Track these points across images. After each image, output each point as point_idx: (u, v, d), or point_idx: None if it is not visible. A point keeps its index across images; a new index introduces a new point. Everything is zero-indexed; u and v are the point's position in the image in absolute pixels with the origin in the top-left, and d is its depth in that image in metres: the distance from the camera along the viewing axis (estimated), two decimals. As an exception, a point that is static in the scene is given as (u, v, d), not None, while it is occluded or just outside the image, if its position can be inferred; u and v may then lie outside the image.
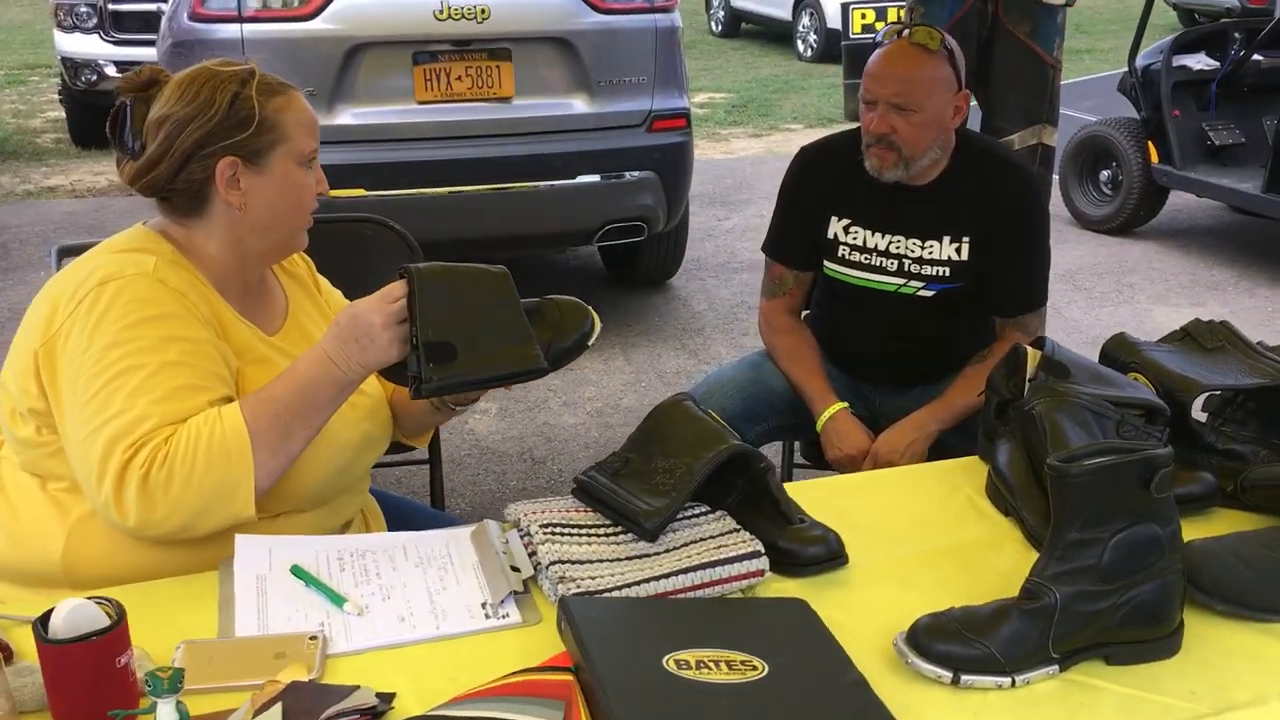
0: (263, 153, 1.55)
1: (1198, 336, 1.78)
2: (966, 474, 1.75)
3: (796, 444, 2.83)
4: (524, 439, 3.78)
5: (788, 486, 1.62)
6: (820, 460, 2.56)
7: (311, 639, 1.30)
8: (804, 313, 2.65)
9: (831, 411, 2.42)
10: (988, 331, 2.52)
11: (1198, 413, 1.74)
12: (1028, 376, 1.68)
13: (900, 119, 2.27)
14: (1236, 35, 5.92)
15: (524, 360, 1.49)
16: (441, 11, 4.01)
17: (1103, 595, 1.28)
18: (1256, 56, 5.83)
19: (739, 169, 7.82)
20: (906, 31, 2.32)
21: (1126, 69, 6.05)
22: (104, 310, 1.45)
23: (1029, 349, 1.72)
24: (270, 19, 3.96)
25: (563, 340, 1.55)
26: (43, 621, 1.16)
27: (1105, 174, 6.21)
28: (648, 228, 4.47)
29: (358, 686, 1.22)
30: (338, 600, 1.38)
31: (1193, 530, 1.46)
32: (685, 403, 1.63)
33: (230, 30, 3.94)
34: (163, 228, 1.60)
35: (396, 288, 1.48)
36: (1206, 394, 1.70)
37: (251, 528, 1.49)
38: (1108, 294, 5.31)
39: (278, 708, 1.17)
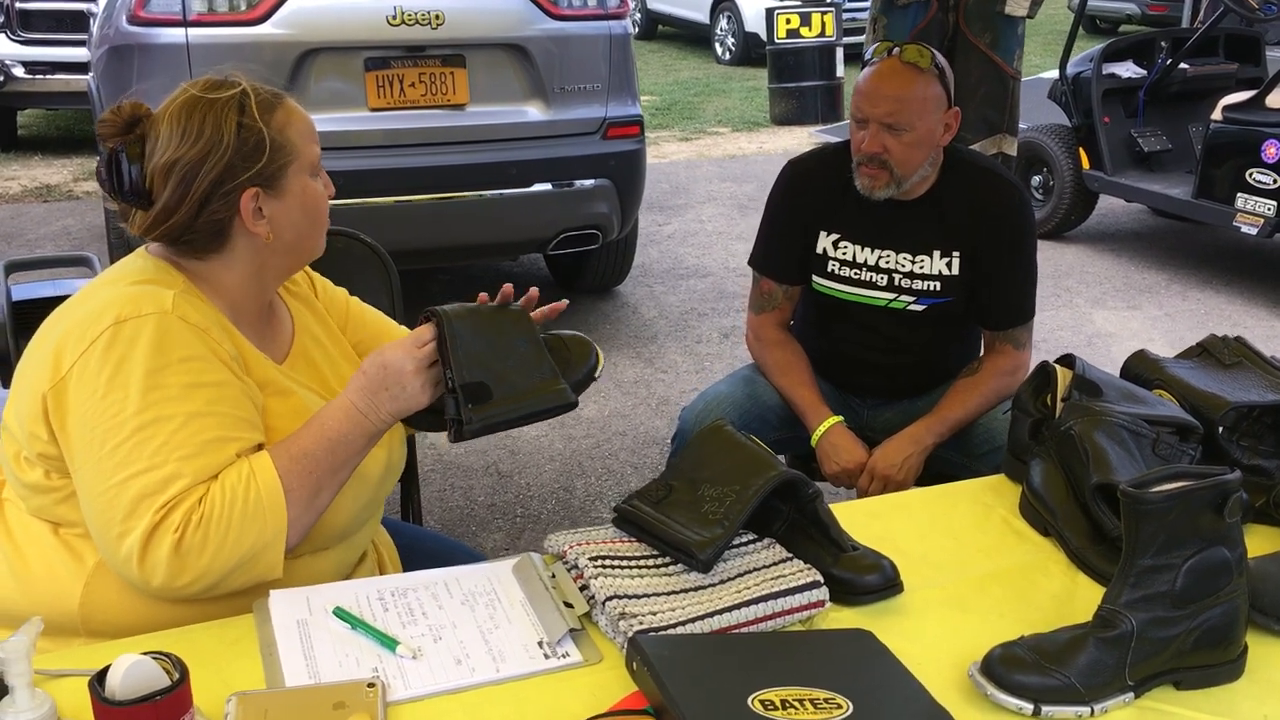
0: (279, 176, 1.47)
1: (1215, 352, 1.80)
2: (997, 494, 1.74)
3: (781, 458, 2.83)
4: (488, 453, 3.71)
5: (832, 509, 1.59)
6: (807, 474, 2.55)
7: (370, 686, 1.23)
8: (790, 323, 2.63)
9: (827, 425, 2.41)
10: (975, 343, 2.53)
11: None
12: (1060, 395, 1.68)
13: (892, 138, 2.26)
14: (1163, 44, 6.08)
15: (554, 396, 1.47)
16: (395, 17, 3.92)
17: (1176, 621, 1.28)
18: (1182, 65, 6.00)
19: (673, 173, 7.82)
20: (897, 50, 2.31)
21: (1057, 76, 6.18)
22: (122, 354, 1.36)
23: (1058, 367, 1.72)
24: (217, 23, 3.83)
25: (572, 374, 1.54)
26: (98, 679, 1.09)
27: (1037, 179, 6.33)
28: (602, 235, 4.43)
29: (426, 736, 1.17)
30: (389, 643, 1.32)
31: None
32: (726, 428, 1.59)
33: (174, 35, 3.81)
34: (170, 257, 1.51)
35: (424, 332, 1.45)
36: (1230, 410, 1.71)
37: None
38: (1047, 298, 5.39)
39: (348, 764, 1.11)
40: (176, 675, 1.10)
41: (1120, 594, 1.28)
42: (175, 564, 1.32)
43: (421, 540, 1.96)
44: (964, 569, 1.54)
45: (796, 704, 1.19)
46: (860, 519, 1.65)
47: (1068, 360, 1.73)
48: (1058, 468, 1.63)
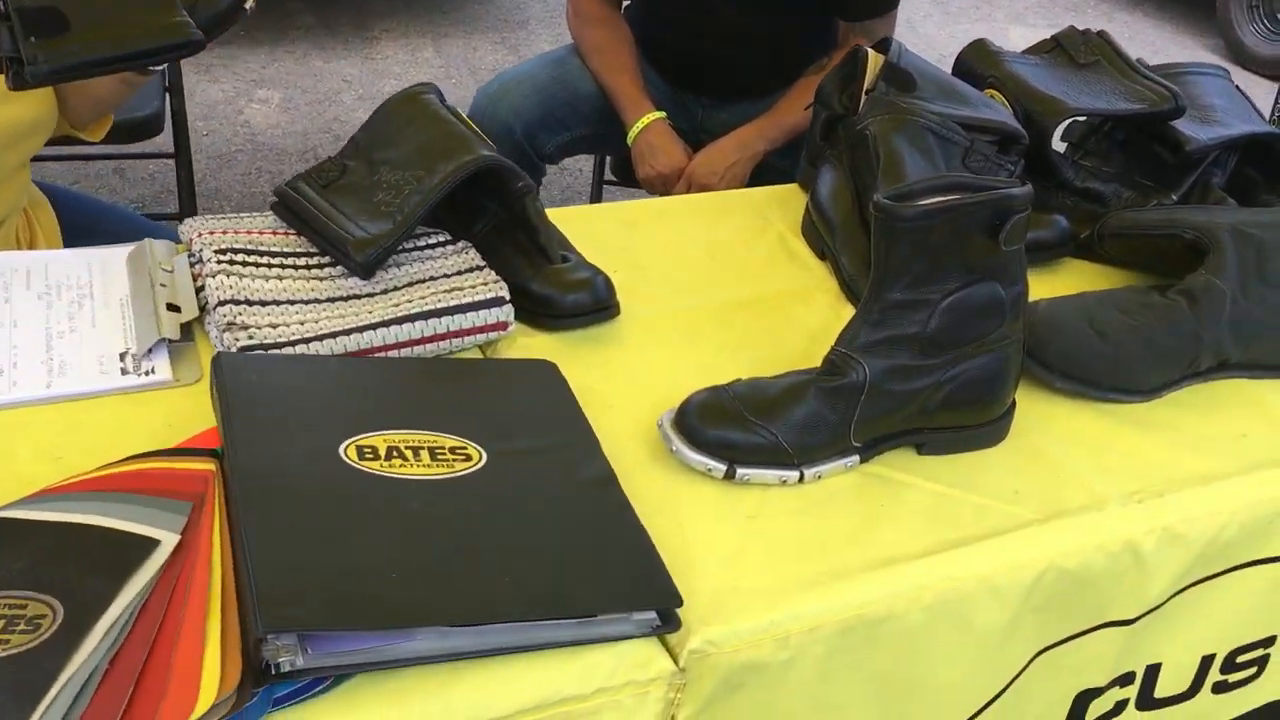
0: None
1: (1070, 48, 1.47)
2: (783, 206, 1.43)
3: (609, 160, 2.50)
4: (309, 135, 3.31)
5: (580, 211, 1.28)
6: (633, 178, 2.23)
7: None
8: (624, 5, 2.23)
9: (645, 122, 2.06)
10: (829, 38, 2.16)
11: (1056, 142, 1.44)
12: (865, 87, 1.35)
13: None
14: None
15: (167, 31, 1.07)
16: None
17: (924, 371, 1.00)
18: None
19: None
20: None
21: None
22: None
23: (871, 52, 1.38)
24: None
25: (214, 4, 1.14)
26: None
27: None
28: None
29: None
30: (-88, 345, 1.01)
31: (1035, 286, 1.16)
32: (426, 96, 1.24)
33: None
34: None
35: None
36: (1070, 119, 1.40)
37: None
38: (965, 9, 4.97)
39: None
40: None
41: (857, 334, 0.99)
42: None
43: (104, 218, 1.61)
44: (708, 293, 1.25)
45: (408, 454, 0.90)
46: (608, 225, 1.35)
47: (883, 44, 1.38)
48: (848, 176, 1.32)
